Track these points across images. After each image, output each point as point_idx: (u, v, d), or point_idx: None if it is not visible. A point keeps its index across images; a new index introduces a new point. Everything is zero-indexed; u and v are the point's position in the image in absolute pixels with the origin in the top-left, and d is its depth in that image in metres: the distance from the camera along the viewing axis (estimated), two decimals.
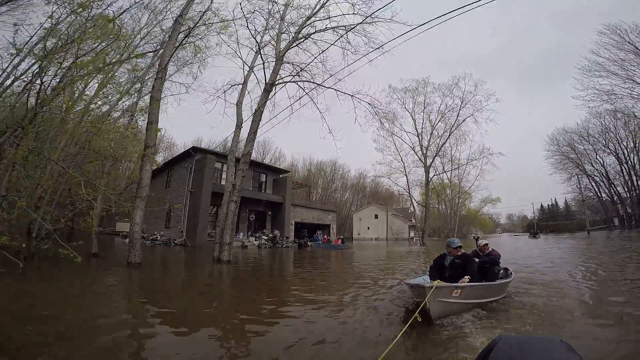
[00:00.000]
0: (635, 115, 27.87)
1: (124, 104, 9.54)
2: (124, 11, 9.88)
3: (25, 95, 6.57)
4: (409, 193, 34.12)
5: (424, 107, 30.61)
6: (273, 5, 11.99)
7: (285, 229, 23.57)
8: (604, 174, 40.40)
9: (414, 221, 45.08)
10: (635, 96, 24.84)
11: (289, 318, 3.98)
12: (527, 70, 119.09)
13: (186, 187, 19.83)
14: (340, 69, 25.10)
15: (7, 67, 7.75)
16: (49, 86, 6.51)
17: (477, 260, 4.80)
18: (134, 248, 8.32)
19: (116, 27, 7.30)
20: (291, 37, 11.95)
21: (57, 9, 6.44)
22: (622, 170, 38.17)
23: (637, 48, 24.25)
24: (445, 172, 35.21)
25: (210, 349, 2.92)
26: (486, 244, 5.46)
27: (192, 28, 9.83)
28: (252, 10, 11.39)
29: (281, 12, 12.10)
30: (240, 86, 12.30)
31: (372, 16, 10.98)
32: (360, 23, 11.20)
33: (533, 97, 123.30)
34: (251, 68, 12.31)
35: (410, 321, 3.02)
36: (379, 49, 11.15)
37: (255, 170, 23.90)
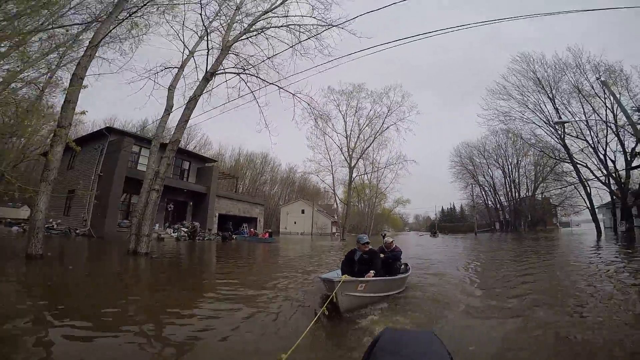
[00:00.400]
0: (521, 137, 32.84)
1: (28, 76, 8.05)
2: None
3: None
4: (334, 191, 36.85)
5: (356, 111, 33.49)
6: None
7: (208, 221, 22.59)
8: (492, 185, 48.51)
9: (336, 217, 48.16)
10: (525, 120, 29.19)
11: (203, 313, 3.89)
12: (454, 84, 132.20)
13: (94, 171, 17.36)
14: (286, 66, 25.35)
15: None
16: None
17: (382, 255, 5.26)
18: (36, 238, 7.35)
19: None
20: (243, 28, 11.83)
21: None
22: (505, 182, 46.53)
23: (537, 77, 27.31)
24: (366, 173, 39.18)
25: (113, 352, 2.62)
26: (392, 242, 5.89)
27: (143, 6, 8.92)
28: None
29: (238, 1, 11.81)
30: (176, 70, 11.65)
31: (329, 22, 11.63)
32: (327, 27, 11.65)
33: (453, 110, 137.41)
34: (192, 53, 11.75)
35: (317, 315, 3.14)
36: (328, 56, 11.93)
37: (178, 157, 21.81)
